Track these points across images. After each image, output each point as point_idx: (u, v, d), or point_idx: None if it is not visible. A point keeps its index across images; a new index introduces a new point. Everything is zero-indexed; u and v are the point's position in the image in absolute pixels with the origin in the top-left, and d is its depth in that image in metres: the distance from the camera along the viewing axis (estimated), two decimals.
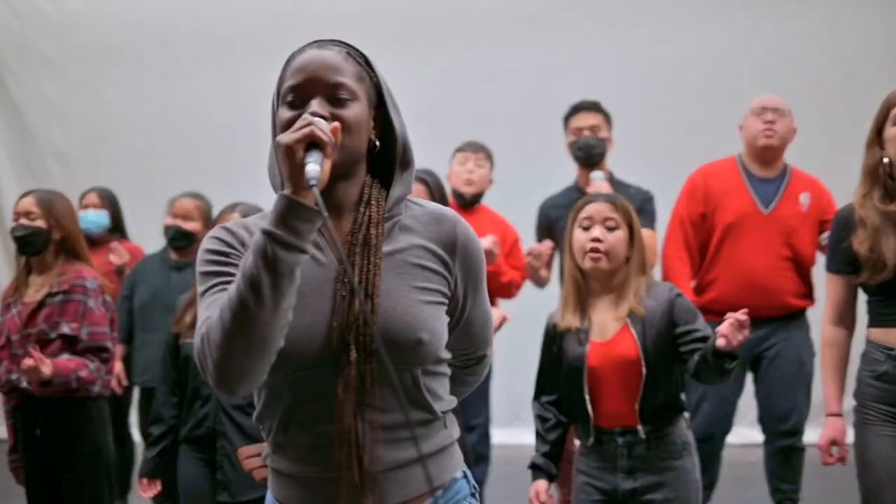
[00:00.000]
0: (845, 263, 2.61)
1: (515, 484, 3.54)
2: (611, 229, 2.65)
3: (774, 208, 3.78)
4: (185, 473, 3.07)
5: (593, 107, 4.09)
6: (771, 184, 3.83)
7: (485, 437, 4.14)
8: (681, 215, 3.90)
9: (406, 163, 1.56)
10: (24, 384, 3.16)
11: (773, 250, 3.73)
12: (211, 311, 1.39)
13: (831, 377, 2.70)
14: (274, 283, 1.31)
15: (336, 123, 1.39)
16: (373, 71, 1.53)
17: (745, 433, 5.15)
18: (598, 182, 3.81)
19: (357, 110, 1.47)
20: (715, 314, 3.71)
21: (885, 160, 2.54)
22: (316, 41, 1.52)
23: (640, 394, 2.56)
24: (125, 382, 4.35)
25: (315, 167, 1.31)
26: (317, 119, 1.37)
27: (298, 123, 1.35)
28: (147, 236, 4.74)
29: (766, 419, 3.82)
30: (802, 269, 3.80)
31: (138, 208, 5.01)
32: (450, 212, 1.59)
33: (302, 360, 1.43)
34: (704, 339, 2.53)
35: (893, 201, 2.51)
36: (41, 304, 3.22)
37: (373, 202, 1.51)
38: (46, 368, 3.01)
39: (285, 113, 1.46)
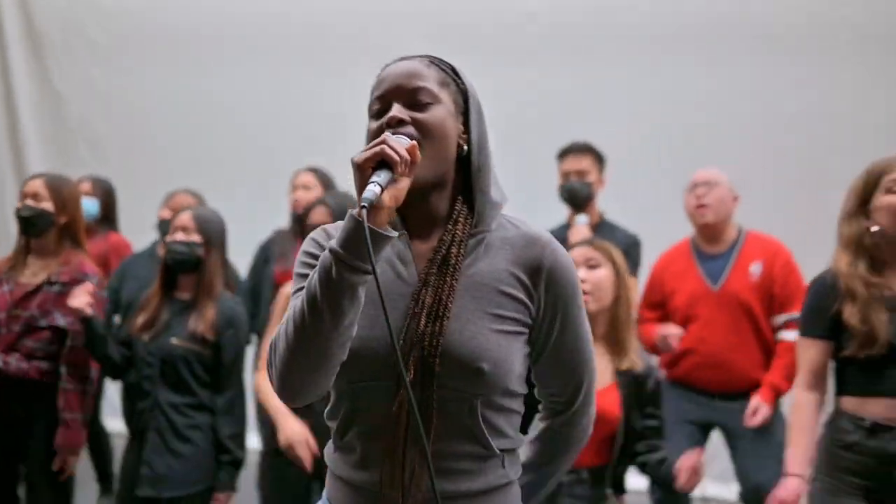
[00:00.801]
0: (827, 330, 2.56)
1: None
2: (593, 268, 2.63)
3: (723, 284, 3.73)
4: (124, 460, 3.20)
5: (583, 149, 4.10)
6: (720, 259, 3.78)
7: None
8: (643, 301, 3.94)
9: (481, 174, 1.53)
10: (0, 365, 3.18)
11: (727, 326, 3.69)
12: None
13: (798, 439, 2.63)
14: (334, 302, 1.33)
15: (414, 142, 1.39)
16: (459, 78, 1.54)
17: (710, 487, 5.05)
18: (579, 226, 3.89)
19: (438, 114, 1.47)
20: (674, 388, 3.81)
21: (875, 229, 2.50)
22: (401, 56, 1.55)
23: (615, 457, 2.56)
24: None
25: (375, 189, 1.30)
26: (397, 137, 1.39)
27: (374, 142, 1.35)
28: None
29: (744, 490, 3.76)
30: (764, 340, 3.72)
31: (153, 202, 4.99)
32: (545, 235, 1.55)
33: (365, 371, 1.44)
34: (658, 444, 2.56)
35: (881, 274, 2.48)
36: (37, 289, 3.25)
37: (460, 219, 1.51)
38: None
39: (372, 124, 1.49)
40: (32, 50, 6.99)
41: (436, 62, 1.53)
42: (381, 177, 1.32)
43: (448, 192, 1.52)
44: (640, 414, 2.60)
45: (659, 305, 3.88)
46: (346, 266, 1.32)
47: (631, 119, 5.42)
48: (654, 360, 2.77)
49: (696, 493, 4.11)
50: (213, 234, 3.19)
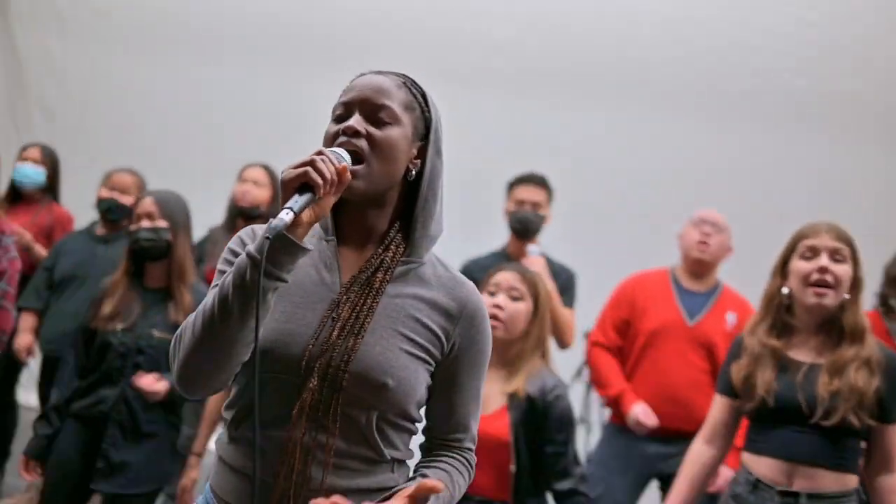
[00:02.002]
0: (726, 386, 2.63)
1: None
2: (514, 299, 2.66)
3: (699, 321, 3.75)
4: (62, 446, 3.01)
5: (540, 181, 4.08)
6: (699, 297, 3.81)
7: None
8: (604, 319, 3.90)
9: (427, 207, 1.56)
10: None
11: (693, 363, 3.69)
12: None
13: (679, 487, 2.68)
14: (244, 304, 1.36)
15: (345, 164, 1.42)
16: (427, 106, 1.58)
17: None
18: (532, 257, 3.84)
19: (394, 134, 1.50)
20: (629, 436, 3.72)
21: (785, 290, 2.57)
22: (378, 70, 1.59)
23: (513, 481, 2.57)
24: (34, 354, 4.23)
25: (285, 217, 1.33)
26: (333, 152, 1.42)
27: (302, 158, 1.38)
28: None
29: None
30: None
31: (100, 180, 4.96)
32: (471, 283, 1.61)
33: (273, 362, 1.46)
34: (564, 471, 2.57)
35: (780, 337, 2.55)
36: None
37: (392, 246, 1.55)
38: None
39: (331, 127, 1.53)
40: (1, 14, 6.93)
41: (409, 84, 1.57)
42: (297, 202, 1.36)
43: (387, 211, 1.56)
44: (541, 439, 2.60)
45: (622, 325, 3.83)
46: (263, 272, 1.35)
47: (580, 158, 5.50)
48: (562, 379, 2.79)
49: None
50: (179, 218, 3.09)
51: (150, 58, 6.60)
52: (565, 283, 3.91)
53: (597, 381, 3.90)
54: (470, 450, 1.65)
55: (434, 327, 1.53)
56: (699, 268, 3.82)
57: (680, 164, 5.53)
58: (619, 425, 3.78)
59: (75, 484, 2.98)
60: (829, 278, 2.49)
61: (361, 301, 1.49)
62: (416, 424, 1.58)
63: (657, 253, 4.13)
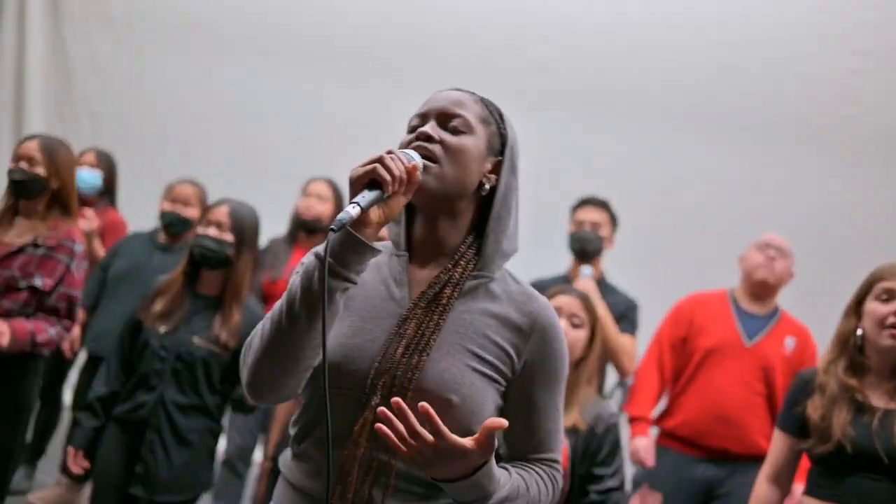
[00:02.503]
0: (795, 425, 2.56)
1: None
2: (575, 326, 2.63)
3: (757, 343, 3.72)
4: (105, 454, 3.00)
5: (601, 204, 4.12)
6: (759, 320, 3.79)
7: None
8: (661, 336, 3.88)
9: (501, 223, 1.55)
10: None
11: (748, 384, 3.65)
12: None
13: None
14: (312, 306, 1.35)
15: (415, 162, 1.41)
16: (503, 123, 1.58)
17: None
18: (585, 278, 3.84)
19: (467, 142, 1.50)
20: (677, 440, 3.71)
21: (859, 332, 2.50)
22: (456, 87, 1.59)
23: None
24: (77, 348, 4.27)
25: (351, 211, 1.33)
26: (404, 153, 1.42)
27: (371, 156, 1.38)
28: (152, 214, 4.69)
29: None
30: (776, 412, 3.67)
31: (149, 184, 4.97)
32: (544, 298, 1.58)
33: (338, 378, 1.44)
34: (609, 490, 2.54)
35: (856, 376, 2.47)
36: (20, 250, 3.14)
37: (461, 262, 1.52)
38: (3, 339, 2.93)
39: (406, 138, 1.53)
40: (52, 18, 6.97)
41: (485, 101, 1.58)
42: (365, 197, 1.35)
43: (459, 225, 1.55)
44: (592, 465, 2.60)
45: (679, 342, 3.81)
46: (330, 272, 1.35)
47: (636, 185, 5.48)
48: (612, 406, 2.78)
49: None
50: (247, 235, 3.07)
51: (196, 58, 6.65)
52: (625, 312, 3.91)
53: (630, 394, 3.88)
54: (556, 466, 1.58)
55: (504, 344, 1.49)
56: (762, 290, 3.80)
57: (733, 191, 5.50)
58: (665, 447, 3.75)
59: (119, 490, 2.97)
60: None
61: (428, 318, 1.47)
62: None
63: (711, 279, 4.10)
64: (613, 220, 4.15)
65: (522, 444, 1.55)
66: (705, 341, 3.74)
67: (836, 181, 5.33)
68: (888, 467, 2.34)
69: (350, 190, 1.38)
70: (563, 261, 4.19)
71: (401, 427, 1.32)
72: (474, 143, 1.52)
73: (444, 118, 1.52)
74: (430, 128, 1.50)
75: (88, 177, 4.42)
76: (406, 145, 1.51)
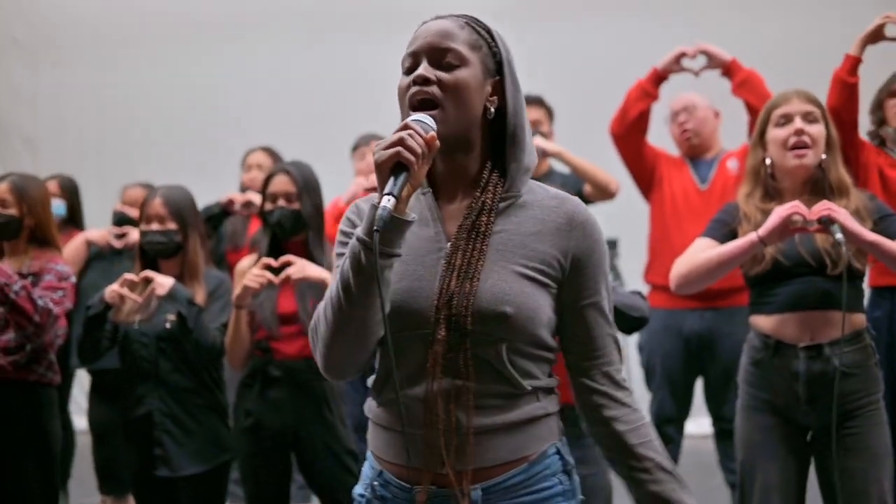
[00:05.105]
0: (723, 237, 2.66)
1: None
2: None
3: (710, 183, 3.90)
4: (125, 451, 3.18)
5: (536, 101, 4.16)
6: (707, 164, 3.98)
7: None
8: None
9: (516, 139, 1.57)
10: None
11: None
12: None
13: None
14: (365, 287, 1.43)
15: (433, 133, 1.44)
16: (493, 41, 1.57)
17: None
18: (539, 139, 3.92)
19: (464, 75, 1.51)
20: (663, 292, 3.62)
21: (768, 161, 2.68)
22: (439, 15, 1.58)
23: None
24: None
25: (388, 204, 1.37)
26: (417, 121, 1.45)
27: (392, 136, 1.42)
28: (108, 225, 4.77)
29: (710, 407, 3.92)
30: None
31: (102, 195, 5.05)
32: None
33: (400, 323, 1.49)
34: None
35: (773, 200, 2.64)
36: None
37: (489, 187, 1.55)
38: None
39: (402, 80, 1.54)
40: None
41: (471, 24, 1.56)
42: (396, 184, 1.39)
43: (476, 153, 1.57)
44: None
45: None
46: (373, 253, 1.40)
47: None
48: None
49: (694, 428, 4.20)
50: (188, 216, 3.16)
51: (111, 65, 6.73)
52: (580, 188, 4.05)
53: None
54: (620, 384, 1.58)
55: (547, 248, 1.53)
56: (695, 150, 4.00)
57: None
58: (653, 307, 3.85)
59: (150, 477, 3.09)
60: (805, 139, 2.60)
61: (471, 246, 1.51)
62: (551, 352, 1.57)
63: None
64: (550, 113, 4.23)
65: (582, 343, 1.58)
66: (667, 190, 3.93)
67: None
68: (815, 269, 2.57)
69: (377, 175, 1.41)
70: None
71: None
72: (471, 73, 1.52)
73: (436, 54, 1.52)
74: (425, 69, 1.51)
75: (52, 207, 4.44)
76: (405, 89, 1.52)
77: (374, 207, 1.39)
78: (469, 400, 1.48)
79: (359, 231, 1.43)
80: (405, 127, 1.43)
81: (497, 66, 1.57)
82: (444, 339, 1.47)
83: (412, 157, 1.40)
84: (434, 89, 1.50)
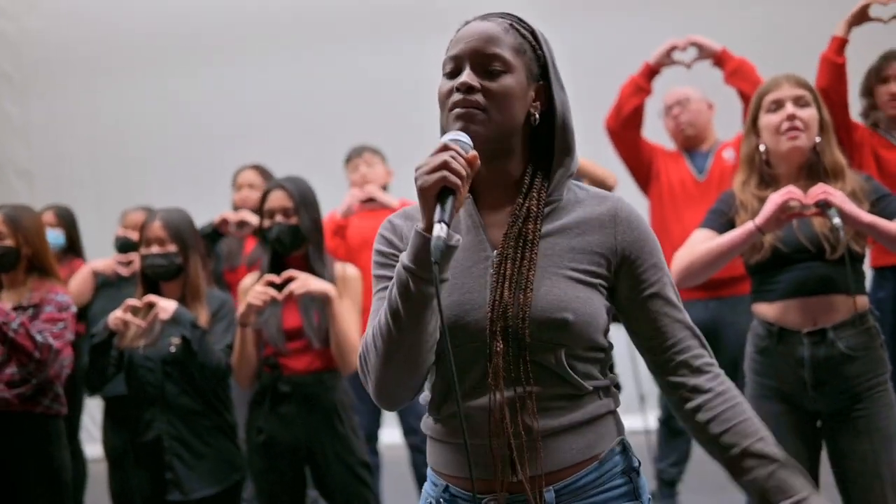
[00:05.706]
0: (721, 227, 2.65)
1: None
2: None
3: (707, 174, 3.95)
4: (136, 476, 3.14)
5: None
6: (704, 156, 4.03)
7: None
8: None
9: (565, 144, 1.55)
10: None
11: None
12: (373, 321, 1.49)
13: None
14: (415, 313, 1.40)
15: (473, 153, 1.40)
16: (538, 44, 1.54)
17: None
18: None
19: (509, 83, 1.48)
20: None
21: (762, 148, 2.67)
22: (484, 14, 1.54)
23: None
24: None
25: (442, 233, 1.33)
26: (458, 140, 1.41)
27: (433, 159, 1.37)
28: (110, 252, 4.73)
29: None
30: None
31: (100, 221, 5.08)
32: (614, 194, 1.59)
33: (455, 337, 1.44)
34: None
35: (769, 187, 2.64)
36: None
37: (533, 193, 1.52)
38: None
39: (443, 84, 1.51)
40: None
41: (516, 26, 1.53)
42: (446, 211, 1.35)
43: (517, 159, 1.54)
44: None
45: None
46: (423, 280, 1.38)
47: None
48: None
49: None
50: (187, 237, 3.17)
51: (103, 93, 6.75)
52: None
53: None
54: (700, 369, 1.54)
55: (594, 247, 1.51)
56: (691, 142, 4.05)
57: None
58: None
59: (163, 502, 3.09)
60: (797, 123, 2.60)
61: (520, 255, 1.48)
62: (606, 352, 1.56)
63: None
64: None
65: (656, 336, 1.55)
66: (665, 183, 3.98)
67: None
68: (814, 254, 2.57)
69: (421, 201, 1.37)
70: None
71: None
72: (515, 80, 1.49)
73: (480, 60, 1.48)
74: (469, 77, 1.47)
75: (51, 237, 4.43)
76: (447, 94, 1.49)
77: (420, 235, 1.38)
78: (533, 405, 1.46)
79: (405, 259, 1.40)
80: (445, 148, 1.38)
81: (541, 70, 1.54)
82: (502, 352, 1.45)
83: (458, 181, 1.36)
84: (478, 97, 1.46)
